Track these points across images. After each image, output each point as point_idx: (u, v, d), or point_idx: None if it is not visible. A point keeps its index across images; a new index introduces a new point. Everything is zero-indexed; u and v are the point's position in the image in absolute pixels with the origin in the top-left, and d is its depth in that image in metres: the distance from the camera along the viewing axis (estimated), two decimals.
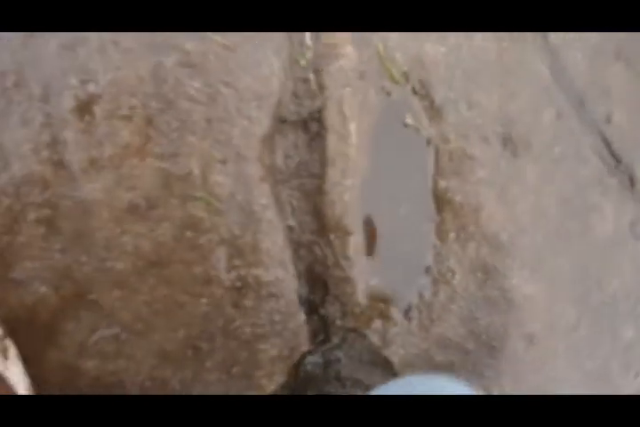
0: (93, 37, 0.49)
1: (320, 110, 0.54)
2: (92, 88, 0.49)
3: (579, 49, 0.59)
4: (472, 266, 0.60)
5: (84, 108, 0.50)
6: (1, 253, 0.50)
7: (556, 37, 0.58)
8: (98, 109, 0.50)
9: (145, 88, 0.50)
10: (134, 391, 0.55)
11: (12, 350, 0.50)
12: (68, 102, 0.49)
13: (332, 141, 0.54)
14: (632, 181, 0.63)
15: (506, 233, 0.59)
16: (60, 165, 0.50)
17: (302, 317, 0.57)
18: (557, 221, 0.61)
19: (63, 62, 0.49)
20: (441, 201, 0.58)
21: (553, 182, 0.60)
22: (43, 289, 0.51)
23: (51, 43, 0.48)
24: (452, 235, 0.59)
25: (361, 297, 0.58)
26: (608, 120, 0.61)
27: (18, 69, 0.48)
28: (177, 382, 0.56)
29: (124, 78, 0.49)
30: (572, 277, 0.63)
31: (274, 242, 0.55)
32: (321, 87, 0.53)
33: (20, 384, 0.50)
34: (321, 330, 0.58)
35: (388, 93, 0.55)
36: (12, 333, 0.51)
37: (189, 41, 0.50)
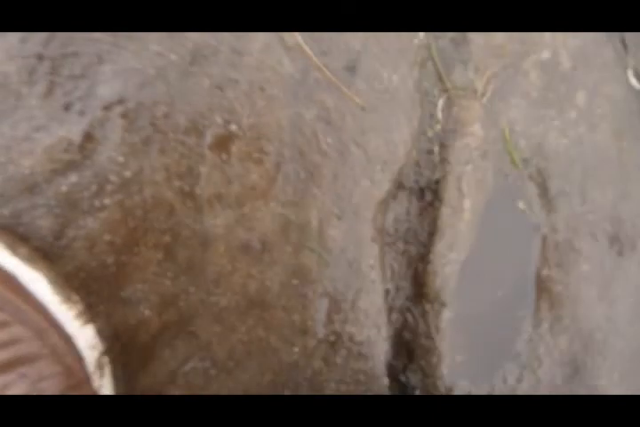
0: (243, 81, 0.52)
1: (438, 182, 0.56)
2: (233, 128, 0.53)
3: None
4: (561, 359, 0.59)
5: (223, 146, 0.53)
6: (117, 271, 0.52)
7: None
8: (234, 149, 0.53)
9: (282, 136, 0.53)
10: None
11: (108, 369, 0.51)
12: (209, 139, 0.52)
13: (444, 214, 0.56)
14: None
15: (601, 332, 0.59)
16: (189, 196, 0.52)
17: (386, 381, 0.57)
18: None
19: (212, 100, 0.52)
20: (540, 289, 0.59)
21: None
22: (147, 312, 0.53)
23: (205, 81, 0.52)
24: (545, 325, 0.59)
25: (445, 371, 0.58)
26: None
27: (170, 101, 0.51)
28: None
29: (264, 124, 0.53)
30: None
31: (372, 303, 0.56)
32: (443, 160, 0.56)
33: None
34: None
35: (506, 176, 0.57)
36: (110, 351, 0.52)
37: (330, 97, 0.53)
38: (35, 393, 0.47)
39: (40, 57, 0.49)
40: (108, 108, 0.51)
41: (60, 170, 0.51)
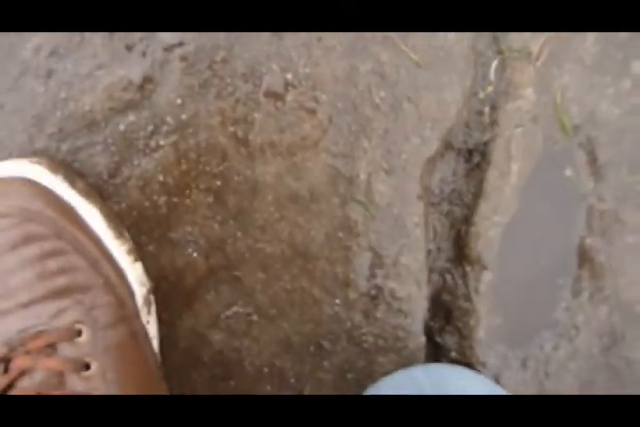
0: (302, 33, 0.53)
1: (487, 144, 0.57)
2: (289, 77, 0.54)
3: None
4: (600, 329, 0.60)
5: (278, 94, 0.54)
6: (168, 212, 0.53)
7: None
8: (289, 98, 0.54)
9: (336, 88, 0.54)
10: (252, 374, 0.56)
11: (154, 307, 0.53)
12: (265, 86, 0.53)
13: (491, 176, 0.57)
14: None
15: None
16: (242, 142, 0.54)
17: (423, 339, 0.58)
18: None
19: (270, 48, 0.54)
20: (583, 258, 0.59)
21: None
22: (195, 255, 0.54)
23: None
24: (585, 294, 0.59)
25: (482, 334, 0.58)
26: None
27: (229, 47, 0.53)
28: (293, 375, 0.57)
29: (319, 74, 0.54)
30: None
31: (415, 260, 0.57)
32: (493, 122, 0.57)
33: (156, 341, 0.52)
34: (433, 358, 0.58)
35: (555, 142, 0.57)
36: (156, 290, 0.53)
37: (386, 51, 0.54)
38: (89, 321, 0.48)
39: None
40: (168, 50, 0.53)
41: (119, 109, 0.53)
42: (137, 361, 0.48)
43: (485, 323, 0.59)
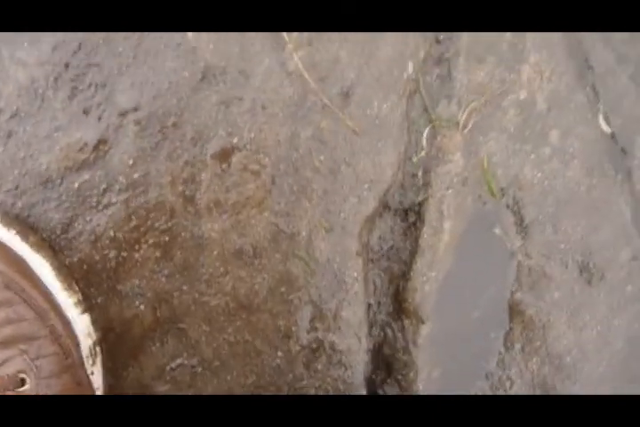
0: (247, 100, 0.58)
1: (421, 204, 0.62)
2: (234, 141, 0.58)
3: None
4: (532, 380, 0.63)
5: (224, 157, 0.58)
6: (117, 266, 0.56)
7: None
8: (234, 160, 0.59)
9: (278, 151, 0.59)
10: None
11: (100, 359, 0.54)
12: (212, 149, 0.58)
13: (425, 234, 0.62)
14: None
15: (570, 356, 0.63)
16: (190, 200, 0.58)
17: (364, 391, 0.60)
18: (621, 359, 0.65)
19: (218, 115, 0.58)
20: (514, 311, 0.63)
21: (622, 319, 0.65)
22: (142, 307, 0.57)
23: (212, 97, 0.58)
24: (517, 346, 0.63)
25: (420, 386, 0.61)
26: None
27: (179, 113, 0.57)
28: None
29: (263, 139, 0.59)
30: None
31: (355, 314, 0.60)
32: (426, 184, 0.62)
33: (99, 392, 0.54)
34: None
35: (484, 203, 0.63)
36: (103, 342, 0.55)
37: (325, 120, 0.59)
38: (32, 370, 0.50)
39: (67, 65, 0.55)
40: (123, 114, 0.57)
41: (74, 168, 0.57)
42: None
43: (424, 375, 0.62)
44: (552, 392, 0.64)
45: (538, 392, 0.64)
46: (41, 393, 0.48)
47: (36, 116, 0.57)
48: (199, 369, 0.58)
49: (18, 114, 0.57)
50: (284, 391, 0.59)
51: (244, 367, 0.59)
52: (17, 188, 0.56)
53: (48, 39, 0.57)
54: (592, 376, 0.65)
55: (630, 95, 0.69)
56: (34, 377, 0.48)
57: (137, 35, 0.58)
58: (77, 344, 0.52)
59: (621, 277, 0.67)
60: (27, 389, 0.47)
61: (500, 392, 0.63)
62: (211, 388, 0.58)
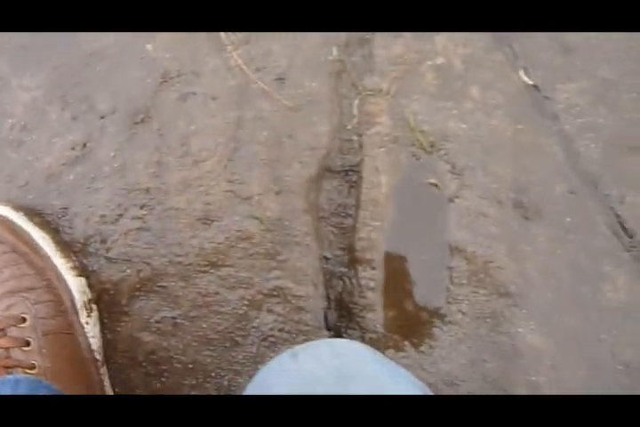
0: (200, 93, 0.72)
1: (359, 164, 0.72)
2: (193, 128, 0.72)
3: (592, 139, 0.73)
4: (482, 311, 0.70)
5: (185, 141, 0.71)
6: (106, 236, 0.70)
7: (570, 127, 0.72)
8: (194, 143, 0.71)
9: (229, 132, 0.71)
10: (179, 370, 0.69)
11: (95, 313, 0.68)
12: (175, 136, 0.71)
13: (365, 189, 0.71)
14: None
15: (514, 286, 0.71)
16: (160, 180, 0.71)
17: (326, 333, 0.70)
18: (567, 284, 0.72)
19: (177, 109, 0.72)
20: (456, 250, 0.71)
21: (563, 248, 0.72)
22: (128, 271, 0.70)
23: (172, 95, 0.72)
24: (464, 281, 0.71)
25: (379, 326, 0.69)
26: (622, 201, 0.72)
27: (147, 111, 0.71)
28: (213, 369, 0.69)
29: (215, 124, 0.71)
30: (583, 340, 0.71)
31: (309, 264, 0.72)
32: (361, 146, 0.72)
33: (97, 341, 0.67)
34: None
35: (417, 157, 0.73)
36: (98, 300, 0.69)
37: (265, 102, 0.72)
38: (31, 312, 0.64)
39: (60, 85, 0.71)
40: (103, 117, 0.72)
41: (69, 163, 0.72)
42: (69, 345, 0.64)
43: (381, 316, 0.70)
44: (502, 320, 0.71)
45: (488, 322, 0.71)
46: (37, 328, 0.62)
47: (39, 127, 0.75)
48: (179, 320, 0.71)
49: (26, 127, 0.75)
50: (252, 335, 0.70)
51: (217, 316, 0.71)
52: (27, 184, 0.73)
53: (46, 68, 0.74)
54: (540, 303, 0.71)
55: (549, 49, 0.76)
56: (32, 317, 0.63)
57: (111, 55, 0.74)
58: (72, 299, 0.67)
59: (559, 210, 0.73)
60: (26, 325, 0.62)
61: (455, 326, 0.71)
62: (189, 336, 0.70)
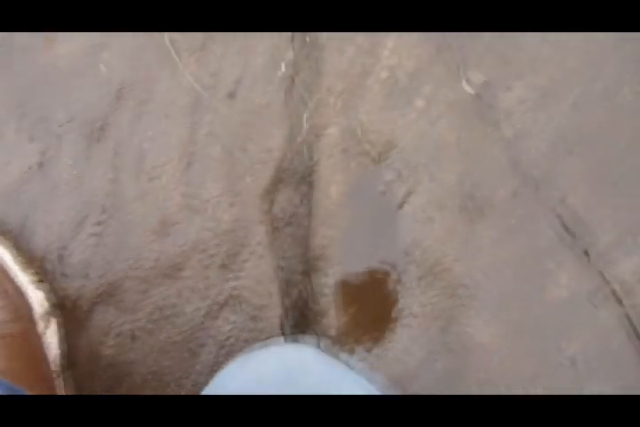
0: (154, 111, 0.74)
1: (310, 175, 0.74)
2: (146, 146, 0.74)
3: (532, 144, 0.76)
4: (433, 313, 0.72)
5: (141, 157, 0.74)
6: (63, 251, 0.72)
7: (511, 133, 0.75)
8: (149, 158, 0.74)
9: (182, 148, 0.74)
10: (138, 382, 0.71)
11: (54, 326, 0.70)
12: (130, 154, 0.73)
13: (317, 199, 0.73)
14: (587, 255, 0.74)
15: (463, 287, 0.73)
16: (115, 195, 0.73)
17: (282, 340, 0.71)
18: (513, 282, 0.75)
19: (134, 128, 0.74)
20: (405, 255, 0.73)
21: (508, 248, 0.75)
22: (86, 284, 0.72)
23: (128, 113, 0.74)
24: (414, 283, 0.73)
25: (333, 331, 0.72)
26: (563, 202, 0.75)
27: (103, 118, 0.74)
28: (172, 380, 0.71)
29: (169, 140, 0.74)
30: (529, 337, 0.73)
31: (264, 273, 0.74)
32: (311, 158, 0.75)
33: (55, 351, 0.69)
34: None
35: (366, 167, 0.75)
36: (56, 313, 0.70)
37: (217, 117, 0.74)
38: None
39: (15, 100, 0.74)
40: (59, 136, 0.74)
41: (25, 179, 0.73)
42: (27, 349, 0.65)
43: (335, 322, 0.73)
44: (453, 322, 0.73)
45: (440, 323, 0.73)
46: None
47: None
48: (137, 332, 0.73)
49: None
50: (210, 345, 0.72)
51: (174, 327, 0.73)
52: None
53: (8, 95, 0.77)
54: (487, 303, 0.73)
55: (490, 59, 0.80)
56: None
57: (63, 77, 0.77)
58: (30, 308, 0.69)
59: (502, 212, 0.76)
60: None
61: (406, 329, 0.73)
62: (147, 348, 0.72)
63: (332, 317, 0.79)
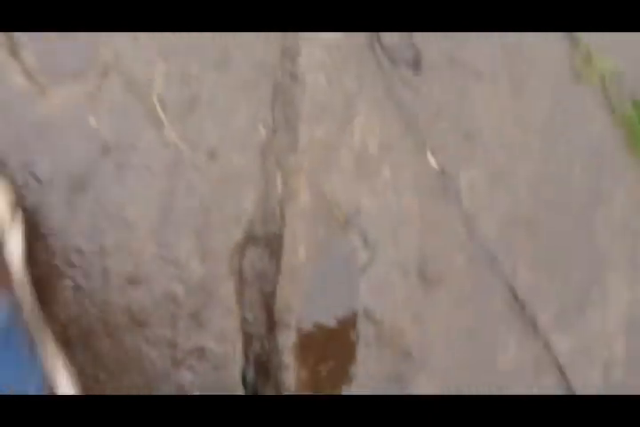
0: (135, 165, 0.78)
1: (280, 235, 0.79)
2: (127, 196, 0.78)
3: (489, 218, 0.82)
4: (387, 374, 0.77)
5: (121, 207, 0.77)
6: (47, 302, 0.75)
7: (470, 207, 0.82)
8: (129, 209, 0.78)
9: (161, 200, 0.79)
10: None
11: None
12: (113, 203, 0.77)
13: (285, 257, 0.78)
14: (534, 325, 0.80)
15: (416, 350, 0.77)
16: (94, 242, 0.76)
17: (242, 390, 0.75)
18: (463, 348, 0.79)
19: (116, 179, 0.78)
20: (365, 316, 0.78)
21: (461, 314, 0.80)
22: (56, 328, 0.74)
23: (109, 165, 0.78)
24: (372, 343, 0.78)
25: (293, 387, 0.76)
26: (514, 274, 0.81)
27: (85, 179, 0.78)
28: None
29: (149, 192, 0.78)
30: None
31: (230, 325, 0.78)
32: (282, 218, 0.80)
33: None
34: None
35: (333, 230, 0.80)
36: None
37: (196, 175, 0.79)
38: None
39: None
40: (42, 183, 0.77)
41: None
42: None
43: (294, 376, 0.77)
44: (405, 383, 0.78)
45: (393, 384, 0.78)
46: None
47: None
48: (102, 376, 0.76)
49: None
50: (173, 392, 0.75)
51: (140, 372, 0.76)
52: None
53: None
54: (439, 365, 0.78)
55: (453, 137, 0.87)
56: None
57: (55, 125, 0.81)
58: None
59: (459, 280, 0.82)
60: None
61: (361, 388, 0.77)
62: (112, 390, 0.75)
63: (293, 371, 0.83)
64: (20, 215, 0.82)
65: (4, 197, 0.80)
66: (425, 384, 0.82)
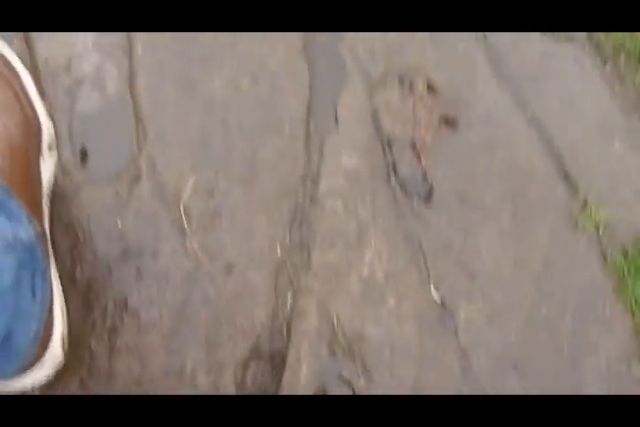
0: (156, 271, 0.83)
1: (284, 352, 0.83)
2: (143, 300, 0.82)
3: (483, 355, 0.88)
4: None
5: (135, 310, 0.81)
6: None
7: (466, 342, 0.87)
8: (143, 313, 0.82)
9: (174, 309, 0.82)
10: None
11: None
12: (128, 305, 0.81)
13: (287, 375, 0.82)
14: None
15: None
16: (104, 342, 0.80)
17: None
18: None
19: (134, 283, 0.82)
20: None
21: None
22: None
23: (129, 269, 0.83)
24: None
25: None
26: None
27: (103, 281, 0.81)
28: None
29: (164, 299, 0.82)
30: None
31: None
32: (289, 337, 0.84)
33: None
34: None
35: (335, 353, 0.84)
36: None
37: (212, 287, 0.83)
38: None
39: None
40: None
41: None
42: (24, 162, 0.76)
43: None
44: None
45: None
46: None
47: None
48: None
49: None
50: None
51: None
52: None
53: None
54: None
55: (456, 273, 0.93)
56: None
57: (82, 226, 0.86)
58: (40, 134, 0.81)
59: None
60: None
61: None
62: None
63: None
64: (55, 154, 0.88)
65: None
66: None
